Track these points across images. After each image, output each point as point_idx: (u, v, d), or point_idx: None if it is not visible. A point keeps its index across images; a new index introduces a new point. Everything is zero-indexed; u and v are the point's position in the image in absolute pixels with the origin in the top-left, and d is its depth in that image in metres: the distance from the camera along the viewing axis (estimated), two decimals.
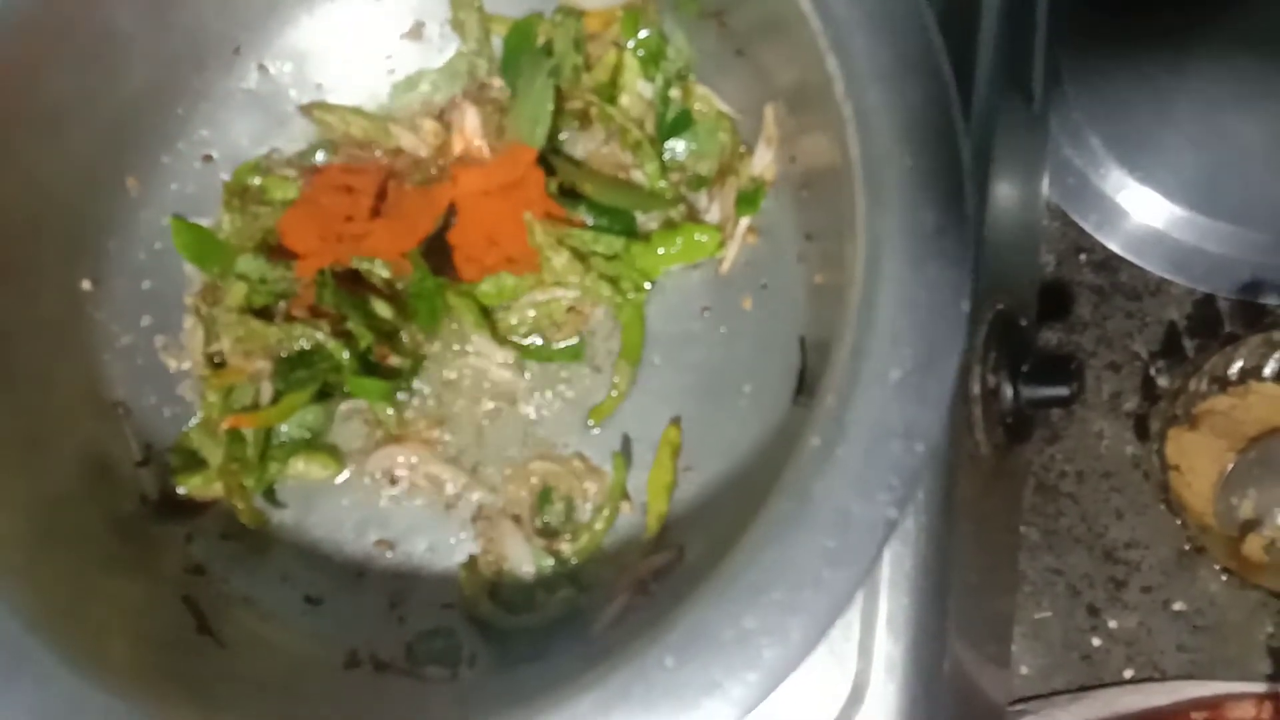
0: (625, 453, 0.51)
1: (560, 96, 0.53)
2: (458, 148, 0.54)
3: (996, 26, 0.50)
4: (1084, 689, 0.63)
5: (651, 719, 0.37)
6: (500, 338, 0.52)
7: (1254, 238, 0.65)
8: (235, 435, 0.51)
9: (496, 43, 0.56)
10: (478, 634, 0.49)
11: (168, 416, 0.53)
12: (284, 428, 0.51)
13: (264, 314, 0.52)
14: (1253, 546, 0.60)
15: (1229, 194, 0.66)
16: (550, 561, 0.49)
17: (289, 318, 0.52)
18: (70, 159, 0.51)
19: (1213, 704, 0.61)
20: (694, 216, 0.53)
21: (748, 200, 0.51)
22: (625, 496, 0.50)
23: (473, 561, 0.50)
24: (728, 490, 0.49)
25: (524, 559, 0.49)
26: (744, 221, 0.51)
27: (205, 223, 0.55)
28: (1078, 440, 0.66)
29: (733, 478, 0.49)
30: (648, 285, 0.52)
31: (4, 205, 0.49)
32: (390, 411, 0.52)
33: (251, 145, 0.56)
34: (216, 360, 0.53)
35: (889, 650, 0.43)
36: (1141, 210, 0.66)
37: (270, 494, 0.52)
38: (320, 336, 0.51)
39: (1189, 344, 0.66)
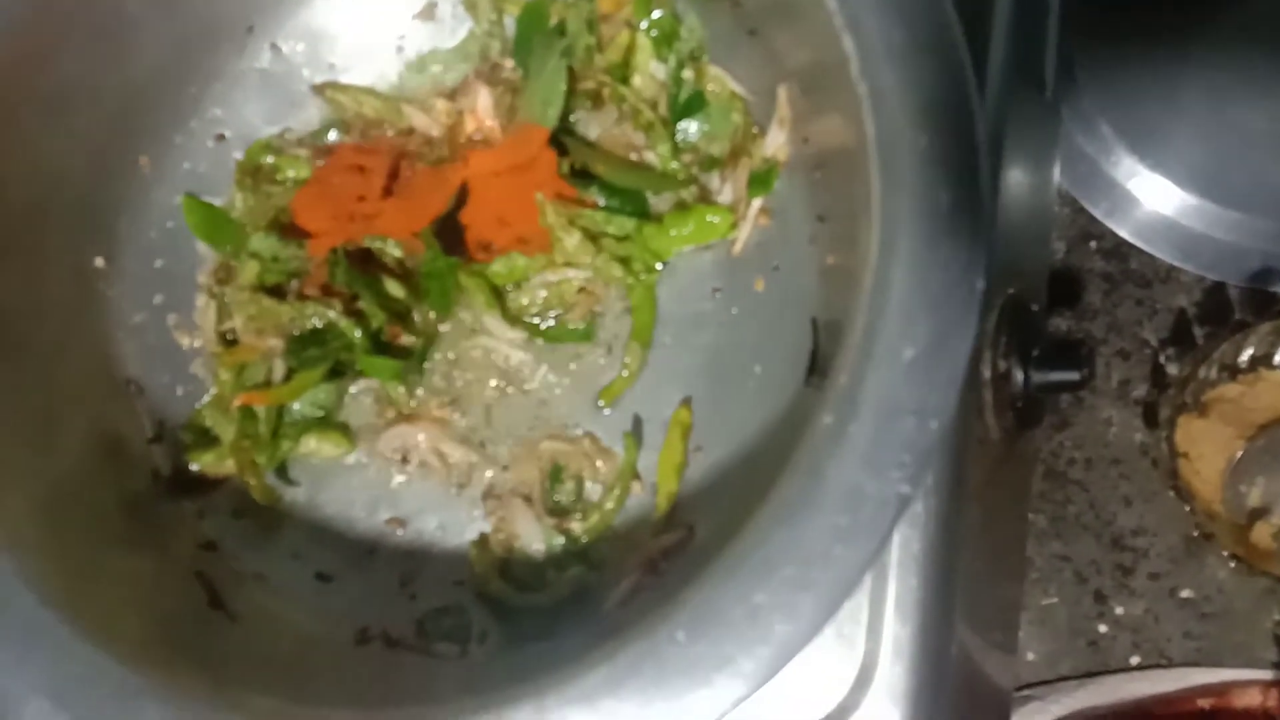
0: (636, 433, 0.51)
1: (573, 77, 0.53)
2: (470, 128, 0.54)
3: (1010, 12, 0.50)
4: (1090, 675, 0.63)
5: (663, 694, 0.37)
6: (511, 318, 0.52)
7: (1264, 225, 0.65)
8: (247, 413, 0.51)
9: (509, 23, 0.55)
10: (488, 611, 0.49)
11: (180, 394, 0.53)
12: (296, 406, 0.52)
13: (276, 292, 0.52)
14: (1261, 534, 0.60)
15: (1239, 182, 0.65)
16: (561, 540, 0.50)
17: (301, 296, 0.52)
18: (82, 138, 0.51)
19: (1219, 691, 0.61)
20: (706, 198, 0.53)
21: (760, 181, 0.51)
22: (636, 476, 0.50)
23: (483, 539, 0.50)
24: (738, 470, 0.49)
25: (535, 537, 0.49)
26: (756, 203, 0.51)
27: (217, 202, 0.55)
28: (1086, 427, 0.66)
29: (743, 458, 0.49)
30: (659, 266, 0.52)
31: (16, 184, 0.49)
32: (401, 390, 0.52)
33: (264, 125, 0.56)
34: (229, 338, 0.53)
35: (897, 632, 0.43)
36: (1152, 197, 0.66)
37: (282, 471, 0.52)
38: (332, 315, 0.51)
39: (1199, 331, 0.66)
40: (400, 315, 0.52)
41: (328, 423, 0.52)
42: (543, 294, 0.52)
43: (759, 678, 0.37)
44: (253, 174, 0.55)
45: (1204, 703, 0.61)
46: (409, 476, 0.52)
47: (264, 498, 0.51)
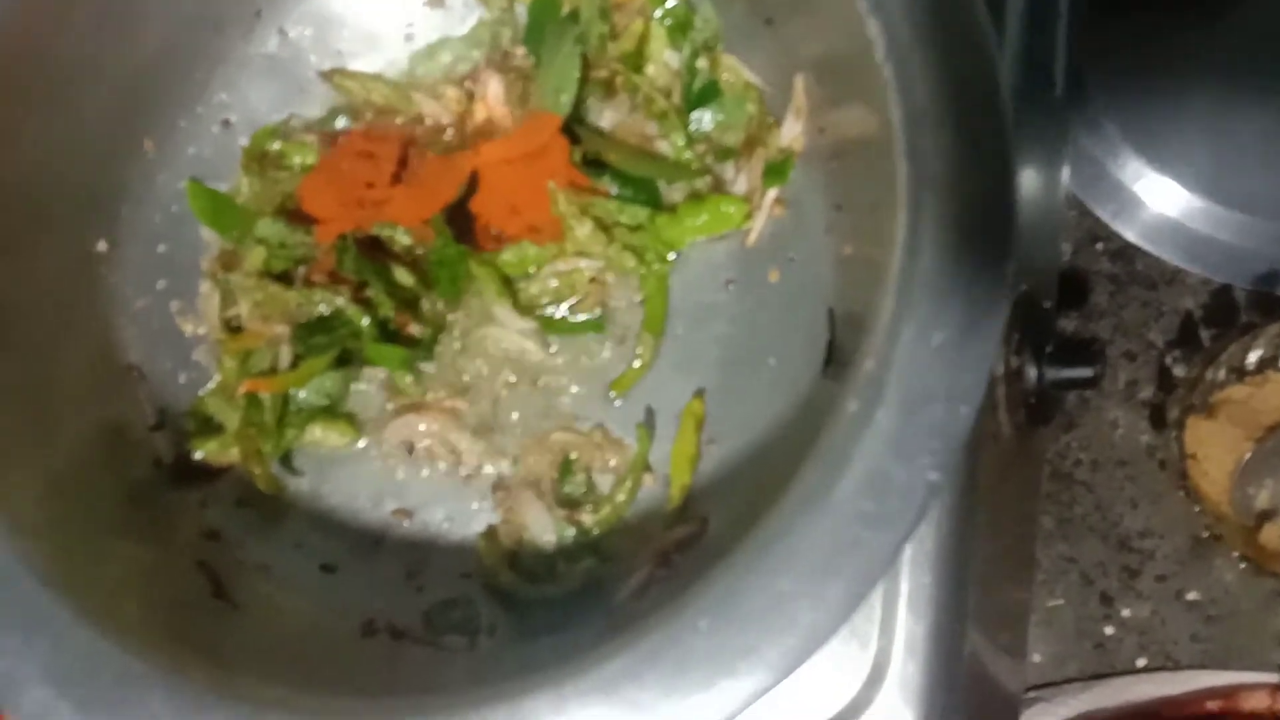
0: (648, 425, 0.50)
1: (586, 65, 0.52)
2: (480, 116, 0.54)
3: (1021, 10, 0.50)
4: (1096, 677, 0.63)
5: (685, 683, 0.36)
6: (522, 308, 0.52)
7: (1270, 228, 0.65)
8: (252, 400, 0.50)
9: (520, 11, 0.55)
10: (497, 604, 0.48)
11: (183, 381, 0.52)
12: (302, 394, 0.51)
13: (283, 278, 0.51)
14: (1269, 535, 0.60)
15: (1245, 185, 0.65)
16: (572, 532, 0.49)
17: (308, 283, 0.51)
18: (85, 121, 0.51)
19: (1226, 694, 0.61)
20: (720, 188, 0.52)
21: (775, 171, 0.51)
22: (648, 468, 0.49)
23: (492, 531, 0.49)
24: (752, 463, 0.48)
25: (545, 529, 0.49)
26: (771, 193, 0.51)
27: (222, 187, 0.54)
28: (1093, 429, 0.65)
29: (757, 450, 0.48)
30: (672, 256, 0.52)
31: (19, 166, 0.48)
32: (409, 380, 0.51)
33: (270, 110, 0.55)
34: (234, 325, 0.52)
35: (910, 629, 0.43)
36: (1158, 200, 0.66)
37: (287, 460, 0.51)
38: (340, 302, 0.50)
39: (1205, 333, 0.66)
40: (409, 303, 0.51)
41: (333, 412, 0.51)
42: (554, 284, 0.52)
43: (785, 667, 0.36)
44: (259, 159, 0.54)
45: (1211, 705, 0.61)
46: (416, 467, 0.51)
47: (268, 487, 0.50)
